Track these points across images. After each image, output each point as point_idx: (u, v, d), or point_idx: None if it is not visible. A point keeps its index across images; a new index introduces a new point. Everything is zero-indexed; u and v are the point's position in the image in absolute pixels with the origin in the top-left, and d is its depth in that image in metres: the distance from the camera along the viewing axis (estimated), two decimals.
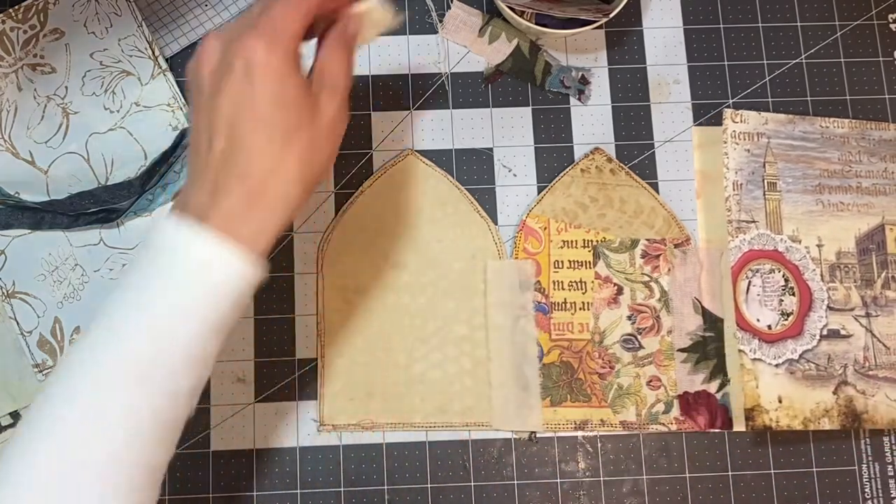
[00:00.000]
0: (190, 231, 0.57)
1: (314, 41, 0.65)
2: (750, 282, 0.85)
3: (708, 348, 0.84)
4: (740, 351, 0.83)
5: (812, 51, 0.91)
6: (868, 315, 0.85)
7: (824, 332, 0.84)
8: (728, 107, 0.88)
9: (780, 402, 0.83)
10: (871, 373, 0.84)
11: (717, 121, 0.88)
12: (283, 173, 0.60)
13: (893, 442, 0.84)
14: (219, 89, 0.59)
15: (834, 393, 0.83)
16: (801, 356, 0.84)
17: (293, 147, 0.60)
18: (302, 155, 0.61)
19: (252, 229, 0.59)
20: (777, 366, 0.83)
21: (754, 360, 0.83)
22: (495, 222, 0.86)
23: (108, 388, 0.57)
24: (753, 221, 0.86)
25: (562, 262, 0.85)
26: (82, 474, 0.56)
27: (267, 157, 0.59)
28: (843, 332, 0.84)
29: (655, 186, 0.87)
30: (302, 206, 0.62)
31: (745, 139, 0.87)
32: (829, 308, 0.85)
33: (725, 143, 0.87)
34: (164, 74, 0.85)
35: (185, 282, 0.58)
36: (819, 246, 0.86)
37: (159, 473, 0.60)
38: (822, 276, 0.85)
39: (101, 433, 0.56)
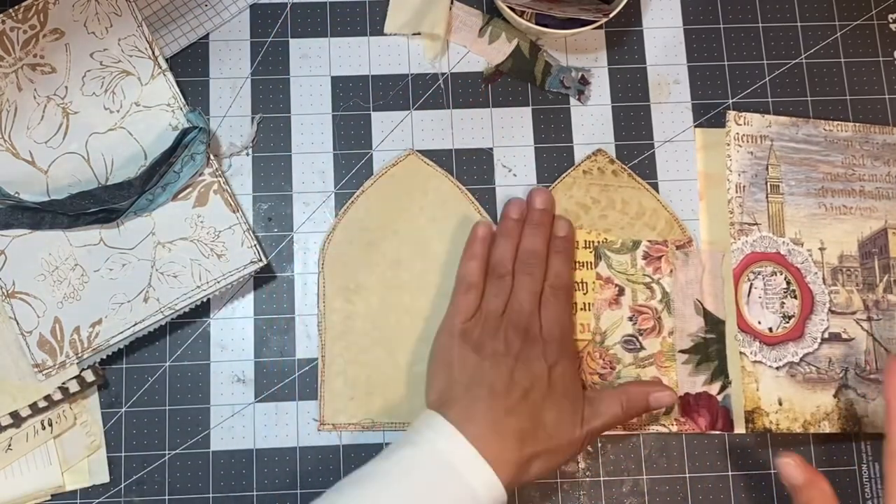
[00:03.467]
0: (474, 454, 0.70)
1: None
2: (752, 284, 0.85)
3: (709, 350, 0.84)
4: (741, 353, 0.83)
5: (812, 51, 0.91)
6: (870, 319, 0.85)
7: (825, 336, 0.84)
8: (729, 108, 0.88)
9: (780, 404, 0.83)
10: (872, 376, 0.84)
11: (717, 121, 0.88)
12: (555, 443, 0.75)
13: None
14: (527, 366, 0.76)
15: (835, 396, 0.83)
16: (801, 359, 0.84)
17: (563, 429, 0.75)
18: (565, 438, 0.75)
19: (512, 471, 0.71)
20: (778, 368, 0.83)
21: (755, 362, 0.83)
22: (496, 222, 0.86)
23: None
24: (756, 224, 0.86)
25: None
26: None
27: (551, 423, 0.75)
28: (844, 336, 0.84)
29: (655, 186, 0.87)
30: None
31: (748, 141, 0.87)
32: (831, 311, 0.85)
33: (728, 145, 0.87)
34: (164, 74, 0.84)
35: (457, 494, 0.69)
36: (821, 249, 0.86)
37: None
38: (823, 279, 0.85)
39: None
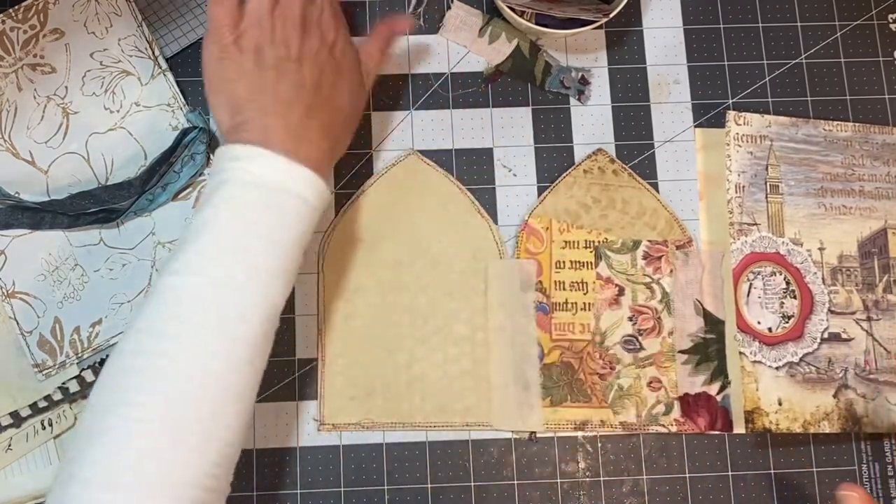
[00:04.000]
0: (289, 165, 0.68)
1: None
2: (751, 284, 0.85)
3: (709, 350, 0.84)
4: (741, 353, 0.83)
5: (812, 51, 0.91)
6: (869, 319, 0.85)
7: (825, 336, 0.84)
8: (728, 108, 0.88)
9: (779, 404, 0.83)
10: (871, 376, 0.84)
11: (717, 121, 0.88)
12: (352, 119, 0.78)
13: (893, 442, 0.84)
14: (312, 60, 0.74)
15: (834, 396, 0.83)
16: (801, 359, 0.84)
17: (357, 100, 0.78)
18: (360, 106, 0.79)
19: (317, 153, 0.71)
20: (777, 368, 0.83)
21: (754, 362, 0.83)
22: (496, 222, 0.86)
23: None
24: (755, 224, 0.86)
25: (563, 262, 0.85)
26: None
27: (347, 103, 0.76)
28: (843, 336, 0.84)
29: (655, 186, 0.87)
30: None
31: (747, 141, 0.87)
32: (831, 311, 0.85)
33: (728, 145, 0.87)
34: (164, 74, 0.84)
35: (295, 213, 0.68)
36: (821, 249, 0.86)
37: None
38: (823, 279, 0.85)
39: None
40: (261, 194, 0.67)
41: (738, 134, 0.87)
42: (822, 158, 0.87)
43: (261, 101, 0.71)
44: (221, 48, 0.73)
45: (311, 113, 0.72)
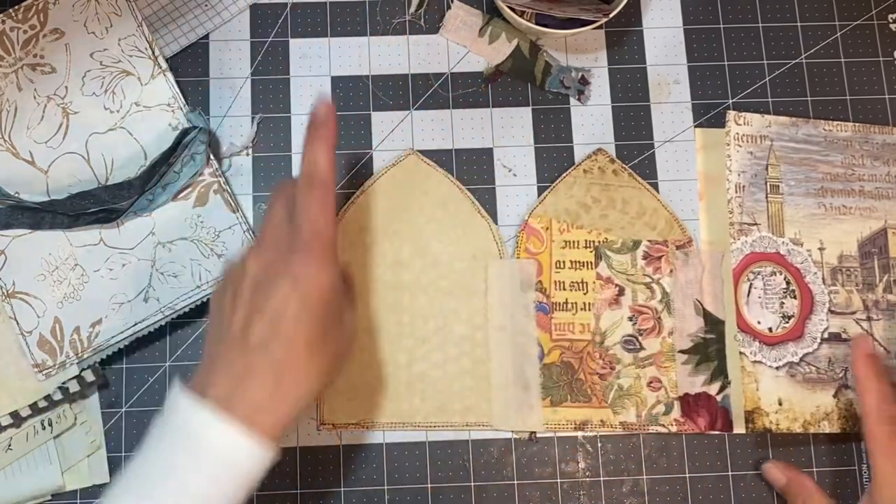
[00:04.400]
0: (218, 420, 0.61)
1: None
2: (751, 284, 0.85)
3: (709, 350, 0.84)
4: (741, 353, 0.83)
5: (812, 51, 0.91)
6: (869, 319, 0.85)
7: (825, 336, 0.84)
8: (728, 108, 0.89)
9: (780, 404, 0.83)
10: None
11: (717, 121, 0.88)
12: (312, 370, 0.66)
13: None
14: (268, 290, 0.65)
15: (834, 396, 0.83)
16: (801, 359, 0.84)
17: (326, 347, 0.67)
18: (329, 355, 0.67)
19: (274, 420, 0.63)
20: (777, 368, 0.83)
21: (755, 362, 0.83)
22: (496, 222, 0.86)
23: None
24: (755, 224, 0.86)
25: (563, 262, 0.85)
26: None
27: (303, 354, 0.65)
28: (844, 336, 0.84)
29: (655, 186, 0.87)
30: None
31: (748, 141, 0.87)
32: (831, 311, 0.85)
33: (728, 145, 0.87)
34: (164, 74, 0.84)
35: (213, 472, 0.61)
36: (821, 249, 0.86)
37: None
38: (823, 279, 0.85)
39: None
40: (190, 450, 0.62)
41: (738, 134, 0.87)
42: (822, 158, 0.87)
43: (210, 342, 0.70)
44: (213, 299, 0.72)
45: (248, 353, 0.65)
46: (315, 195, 0.68)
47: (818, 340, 0.84)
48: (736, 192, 0.86)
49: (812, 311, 0.85)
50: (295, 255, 0.66)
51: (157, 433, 0.63)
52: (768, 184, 0.86)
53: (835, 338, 0.84)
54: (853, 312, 0.85)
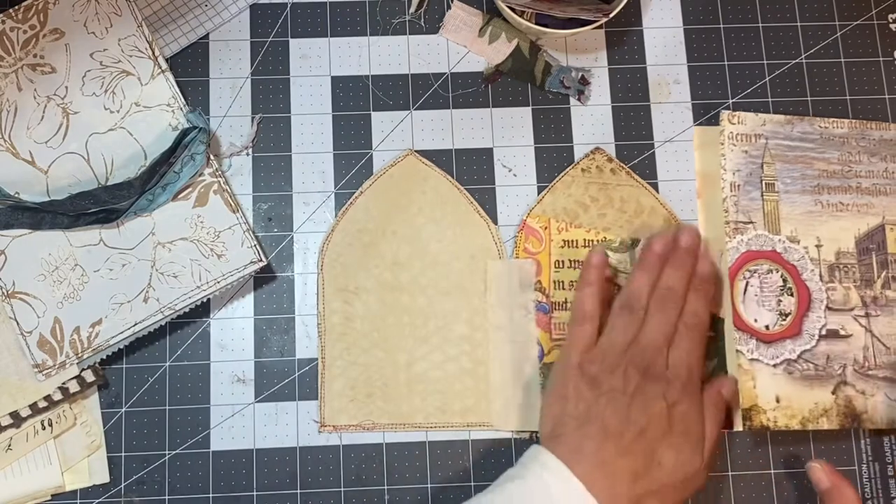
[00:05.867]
0: (584, 498, 0.70)
1: None
2: (748, 282, 0.84)
3: (709, 348, 0.84)
4: (738, 351, 0.83)
5: (812, 51, 0.91)
6: (868, 315, 0.85)
7: (823, 332, 0.84)
8: (728, 108, 0.89)
9: (777, 401, 0.82)
10: (870, 373, 0.84)
11: (717, 121, 0.88)
12: (674, 484, 0.74)
13: (893, 442, 0.84)
14: (644, 402, 0.75)
15: (833, 393, 0.83)
16: (799, 356, 0.83)
17: (683, 468, 0.74)
18: (687, 476, 0.74)
19: (626, 499, 0.71)
20: (775, 366, 0.83)
21: (752, 360, 0.83)
22: (495, 222, 0.86)
23: None
24: (751, 222, 0.85)
25: (563, 261, 0.85)
26: None
27: (670, 465, 0.73)
28: (842, 333, 0.84)
29: (655, 186, 0.87)
30: None
31: (742, 140, 0.87)
32: (829, 308, 0.85)
33: (723, 144, 0.87)
34: (164, 74, 0.85)
35: None
36: (818, 246, 0.85)
37: None
38: (821, 276, 0.85)
39: None
40: None
41: (732, 133, 0.87)
42: (819, 155, 0.87)
43: (583, 423, 0.74)
44: (566, 366, 0.78)
45: (626, 452, 0.72)
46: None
47: (816, 337, 0.84)
48: (731, 190, 0.86)
49: (809, 308, 0.84)
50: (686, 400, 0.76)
51: (517, 485, 0.72)
52: (764, 182, 0.86)
53: (833, 334, 0.84)
54: (851, 309, 0.85)
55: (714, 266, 0.82)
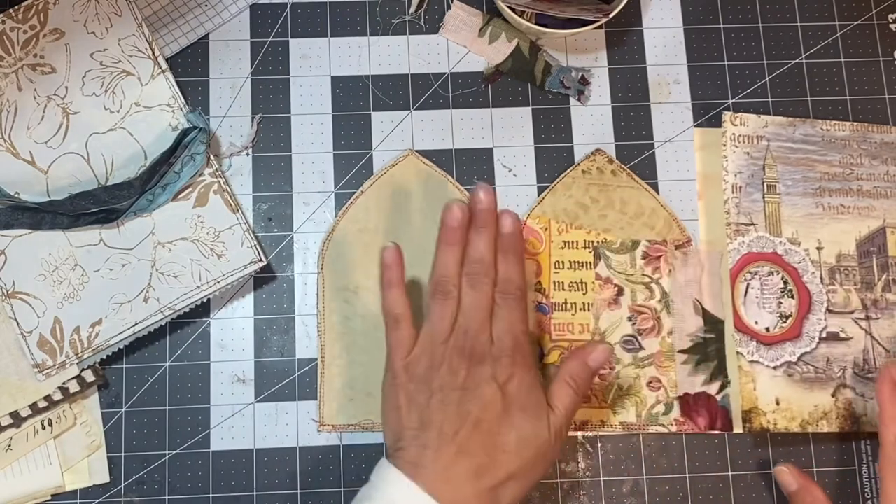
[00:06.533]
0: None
1: None
2: (748, 284, 0.85)
3: (708, 350, 0.84)
4: (738, 353, 0.83)
5: (812, 51, 0.91)
6: (868, 318, 0.85)
7: (823, 335, 0.84)
8: (728, 108, 0.89)
9: (777, 404, 0.83)
10: (870, 375, 0.84)
11: (717, 121, 0.88)
12: (523, 464, 0.71)
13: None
14: (476, 391, 0.72)
15: (833, 395, 0.83)
16: (799, 358, 0.84)
17: (528, 444, 0.72)
18: (533, 452, 0.72)
19: (475, 498, 0.70)
20: (775, 368, 0.83)
21: (752, 362, 0.83)
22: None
23: None
24: (752, 224, 0.85)
25: (562, 262, 0.85)
26: None
27: (512, 445, 0.71)
28: (842, 335, 0.84)
29: (655, 187, 0.87)
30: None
31: (744, 142, 0.87)
32: (829, 311, 0.85)
33: (724, 145, 0.87)
34: (164, 74, 0.84)
35: None
36: (819, 248, 0.85)
37: None
38: (821, 278, 0.85)
39: None
40: None
41: (734, 134, 0.87)
42: (820, 158, 0.87)
43: (419, 432, 0.72)
44: (393, 373, 0.75)
45: (464, 451, 0.70)
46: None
47: (816, 340, 0.84)
48: (733, 192, 0.86)
49: (810, 310, 0.84)
50: (503, 365, 0.74)
51: (366, 487, 0.72)
52: (765, 184, 0.86)
53: (833, 337, 0.84)
54: (852, 312, 0.85)
55: (515, 219, 0.77)
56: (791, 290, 0.85)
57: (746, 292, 0.84)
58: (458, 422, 0.71)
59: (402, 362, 0.75)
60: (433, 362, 0.74)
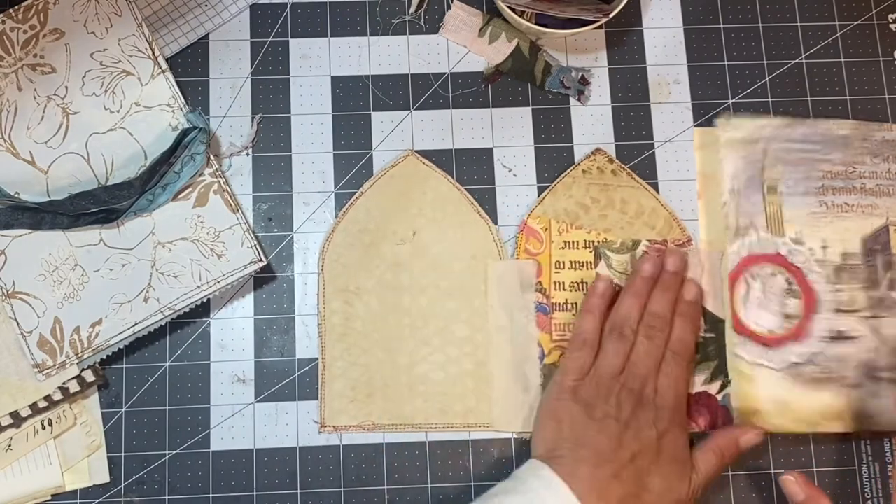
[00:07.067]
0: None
1: None
2: (749, 286, 0.84)
3: (709, 349, 0.84)
4: (737, 356, 0.83)
5: (812, 51, 0.91)
6: (874, 317, 0.84)
7: (830, 335, 0.84)
8: (728, 108, 0.89)
9: (781, 405, 0.82)
10: (877, 375, 0.83)
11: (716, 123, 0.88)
12: None
13: (894, 442, 0.84)
14: (636, 429, 0.76)
15: (840, 395, 0.83)
16: (806, 359, 0.83)
17: (670, 494, 0.75)
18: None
19: None
20: (780, 370, 0.83)
21: (754, 364, 0.83)
22: (495, 222, 0.86)
23: None
24: (752, 226, 0.85)
25: (563, 262, 0.85)
26: None
27: (657, 490, 0.75)
28: (848, 335, 0.84)
29: (655, 187, 0.87)
30: None
31: (740, 146, 0.87)
32: (835, 310, 0.85)
33: (720, 150, 0.87)
34: (164, 74, 0.84)
35: None
36: (823, 248, 0.85)
37: None
38: (827, 278, 0.85)
39: None
40: None
41: (729, 138, 0.87)
42: (822, 157, 0.87)
43: (579, 446, 0.76)
44: (560, 389, 0.79)
45: (618, 477, 0.74)
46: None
47: (823, 340, 0.84)
48: (731, 195, 0.86)
49: (816, 310, 0.84)
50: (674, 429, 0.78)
51: (516, 498, 0.73)
52: (765, 185, 0.86)
53: (840, 337, 0.84)
54: (857, 311, 0.85)
55: (699, 290, 0.84)
56: (796, 291, 0.85)
57: (748, 294, 0.84)
58: (617, 450, 0.75)
59: (573, 382, 0.79)
60: (600, 392, 0.78)
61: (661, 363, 0.80)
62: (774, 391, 0.83)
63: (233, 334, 0.84)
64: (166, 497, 0.81)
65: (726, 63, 0.90)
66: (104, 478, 0.81)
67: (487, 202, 0.86)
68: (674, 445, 0.77)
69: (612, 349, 0.80)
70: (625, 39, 0.91)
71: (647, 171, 0.88)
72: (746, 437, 0.80)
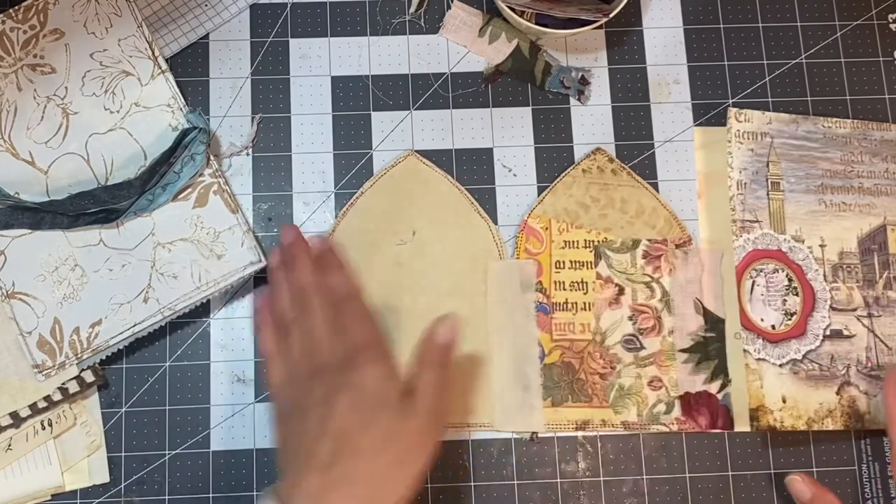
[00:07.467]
0: None
1: None
2: (754, 281, 0.85)
3: (709, 349, 0.84)
4: (745, 351, 0.83)
5: (812, 51, 0.91)
6: (870, 315, 0.85)
7: (827, 333, 0.84)
8: (729, 107, 0.88)
9: (784, 402, 0.83)
10: (873, 373, 0.84)
11: (717, 121, 0.88)
12: (387, 480, 0.64)
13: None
14: (330, 402, 0.66)
15: (837, 393, 0.83)
16: (804, 356, 0.84)
17: (392, 452, 0.65)
18: (400, 458, 0.65)
19: None
20: (781, 366, 0.83)
21: (759, 359, 0.83)
22: (495, 222, 0.86)
23: None
24: (757, 221, 0.85)
25: (563, 262, 0.85)
26: None
27: (374, 463, 0.64)
28: (845, 333, 0.84)
29: (655, 186, 0.87)
30: None
31: (749, 139, 0.87)
32: (832, 308, 0.85)
33: (730, 142, 0.87)
34: (164, 74, 0.84)
35: None
36: (822, 246, 0.86)
37: None
38: (824, 276, 0.85)
39: None
40: None
41: (739, 131, 0.87)
42: (822, 155, 0.87)
43: (292, 454, 0.67)
44: (272, 408, 0.73)
45: (331, 466, 0.64)
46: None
47: (820, 337, 0.84)
48: (738, 189, 0.86)
49: (814, 308, 0.85)
50: (354, 364, 0.68)
51: None
52: (769, 181, 0.86)
53: (836, 335, 0.84)
54: (854, 309, 0.85)
55: (324, 239, 0.77)
56: (796, 288, 0.85)
57: (752, 290, 0.84)
58: (319, 435, 0.66)
59: (272, 393, 0.74)
60: (294, 389, 0.71)
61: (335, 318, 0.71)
62: (778, 387, 0.83)
63: (233, 334, 0.84)
64: (166, 497, 0.81)
65: (726, 63, 0.90)
66: (104, 478, 0.81)
67: (487, 202, 0.86)
68: (376, 384, 0.68)
69: (284, 349, 0.72)
70: (625, 39, 0.91)
71: (647, 171, 0.88)
72: (437, 330, 0.71)
